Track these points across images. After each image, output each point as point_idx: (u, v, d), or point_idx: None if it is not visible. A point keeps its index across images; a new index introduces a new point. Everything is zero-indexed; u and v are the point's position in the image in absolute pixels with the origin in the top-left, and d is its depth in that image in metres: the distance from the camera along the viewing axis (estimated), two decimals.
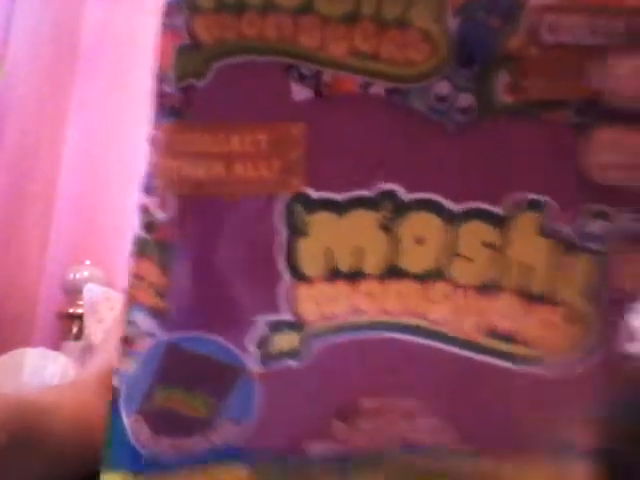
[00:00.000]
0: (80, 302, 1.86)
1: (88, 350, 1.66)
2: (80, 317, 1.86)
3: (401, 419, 0.20)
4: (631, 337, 0.20)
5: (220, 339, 0.19)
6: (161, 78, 0.19)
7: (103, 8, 2.13)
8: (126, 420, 0.20)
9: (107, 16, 2.13)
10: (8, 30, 2.04)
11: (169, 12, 0.19)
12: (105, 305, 1.75)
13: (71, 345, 1.80)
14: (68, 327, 1.91)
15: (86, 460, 0.49)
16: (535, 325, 0.20)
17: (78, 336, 1.84)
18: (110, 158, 2.07)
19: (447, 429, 0.20)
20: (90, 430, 0.50)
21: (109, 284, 1.90)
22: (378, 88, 0.19)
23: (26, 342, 1.76)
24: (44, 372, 1.38)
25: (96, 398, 0.53)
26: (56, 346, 1.79)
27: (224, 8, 0.18)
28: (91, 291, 1.78)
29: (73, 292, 1.91)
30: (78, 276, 1.92)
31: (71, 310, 1.91)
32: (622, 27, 0.18)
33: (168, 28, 0.19)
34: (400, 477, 0.20)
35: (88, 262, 1.97)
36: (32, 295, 2.00)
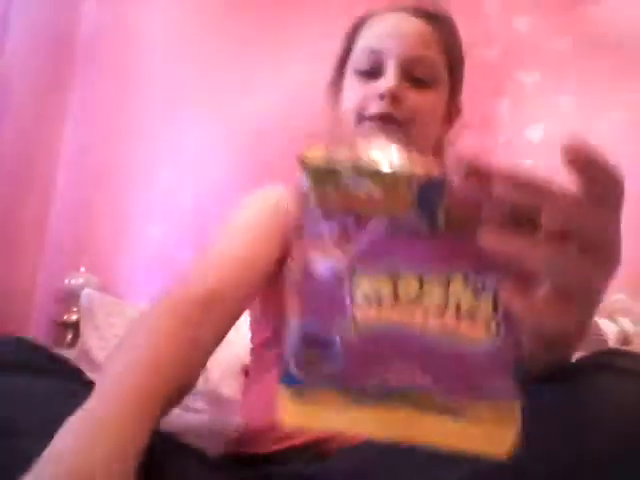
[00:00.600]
0: (75, 309, 1.86)
1: (84, 356, 1.65)
2: (74, 324, 1.85)
3: (409, 374, 0.41)
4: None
5: (324, 329, 0.42)
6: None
7: (102, 6, 2.13)
8: (289, 361, 0.42)
9: (107, 15, 2.13)
10: (6, 29, 2.03)
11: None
12: (102, 311, 1.74)
13: (65, 353, 1.79)
14: (62, 334, 1.90)
15: None
16: (465, 329, 0.40)
17: (72, 344, 1.84)
18: (107, 164, 2.07)
19: (433, 381, 0.41)
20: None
21: (104, 291, 1.89)
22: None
23: None
24: None
25: (133, 424, 0.57)
26: None
27: None
28: (88, 296, 1.78)
29: (68, 299, 1.90)
30: (73, 282, 1.92)
31: (65, 317, 1.91)
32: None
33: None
34: (415, 402, 0.42)
35: (83, 269, 1.97)
36: (27, 302, 1.99)
